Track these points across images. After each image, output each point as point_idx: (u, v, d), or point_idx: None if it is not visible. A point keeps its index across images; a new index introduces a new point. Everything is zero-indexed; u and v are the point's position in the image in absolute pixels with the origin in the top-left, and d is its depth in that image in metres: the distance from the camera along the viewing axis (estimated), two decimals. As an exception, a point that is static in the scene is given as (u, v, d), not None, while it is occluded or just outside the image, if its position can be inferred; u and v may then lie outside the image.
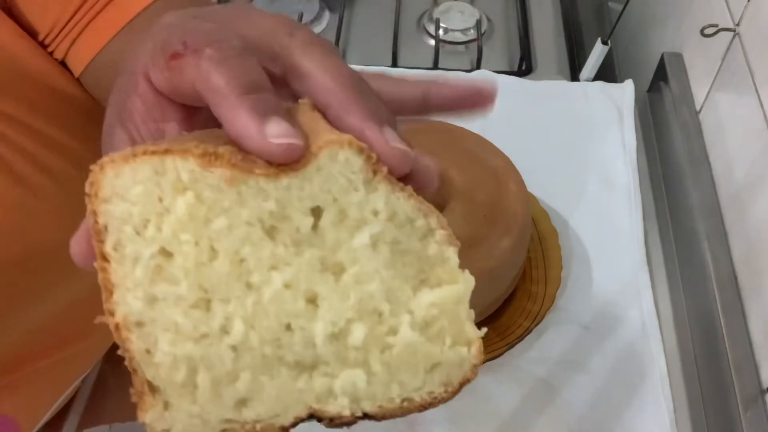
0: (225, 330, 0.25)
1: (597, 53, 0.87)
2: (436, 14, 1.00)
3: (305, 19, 0.99)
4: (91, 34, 0.45)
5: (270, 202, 0.24)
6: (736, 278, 0.64)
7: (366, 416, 0.27)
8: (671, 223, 0.74)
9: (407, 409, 0.27)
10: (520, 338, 0.62)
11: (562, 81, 0.89)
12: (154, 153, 0.24)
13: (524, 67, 0.94)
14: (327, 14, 1.02)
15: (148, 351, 0.25)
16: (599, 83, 0.86)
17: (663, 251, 0.72)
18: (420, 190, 0.27)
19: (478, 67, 0.91)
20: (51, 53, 0.46)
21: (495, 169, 0.65)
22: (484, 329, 0.27)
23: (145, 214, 0.24)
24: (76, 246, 0.26)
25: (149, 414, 0.26)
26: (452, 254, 0.27)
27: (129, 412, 0.66)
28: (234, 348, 0.25)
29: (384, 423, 0.62)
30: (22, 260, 0.47)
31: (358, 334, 0.26)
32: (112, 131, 0.28)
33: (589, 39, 1.04)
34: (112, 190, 0.24)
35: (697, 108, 0.77)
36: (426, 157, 0.27)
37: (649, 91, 0.87)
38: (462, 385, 0.28)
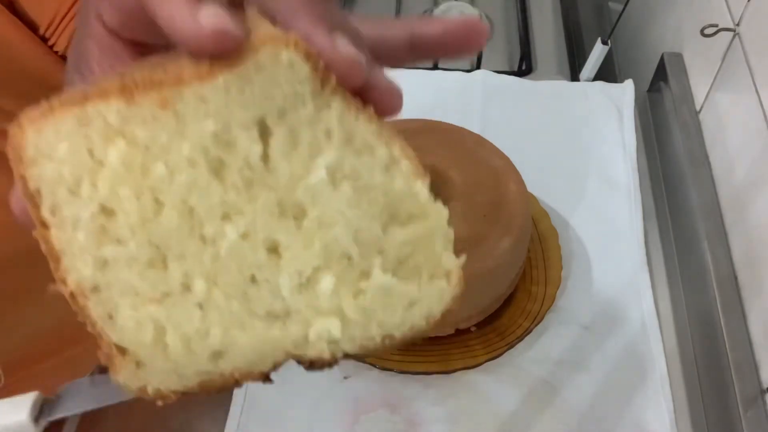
0: (186, 288, 0.24)
1: (597, 53, 0.87)
2: (436, 14, 1.00)
3: (305, 19, 0.99)
4: None
5: (210, 120, 0.22)
6: (736, 278, 0.64)
7: (348, 356, 0.26)
8: (671, 223, 0.74)
9: (389, 345, 0.26)
10: (520, 338, 0.62)
11: (562, 81, 0.89)
12: (72, 102, 0.22)
13: (524, 67, 0.94)
14: (327, 14, 1.02)
15: (109, 316, 0.24)
16: (599, 83, 0.86)
17: (663, 251, 0.72)
18: (383, 113, 0.24)
19: (478, 67, 0.91)
20: (52, 47, 0.46)
21: (495, 169, 0.65)
22: (464, 256, 0.25)
23: (76, 171, 0.22)
24: (17, 203, 0.23)
25: (122, 374, 0.24)
26: (421, 188, 0.25)
27: (128, 413, 0.66)
28: (200, 305, 0.24)
29: (384, 423, 0.62)
30: (22, 257, 0.47)
31: (326, 283, 0.24)
32: (71, 83, 0.26)
33: (589, 39, 1.04)
34: (37, 151, 0.22)
35: (697, 108, 0.77)
36: (387, 76, 0.24)
37: (649, 91, 0.87)
38: (443, 314, 0.26)
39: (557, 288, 0.65)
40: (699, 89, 0.78)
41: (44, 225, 0.23)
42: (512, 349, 0.62)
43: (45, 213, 0.22)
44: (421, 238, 0.25)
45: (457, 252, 0.26)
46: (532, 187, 0.69)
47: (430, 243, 0.25)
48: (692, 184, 0.71)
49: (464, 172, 0.65)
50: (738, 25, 0.69)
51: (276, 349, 0.25)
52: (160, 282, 0.23)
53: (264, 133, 0.23)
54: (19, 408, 0.27)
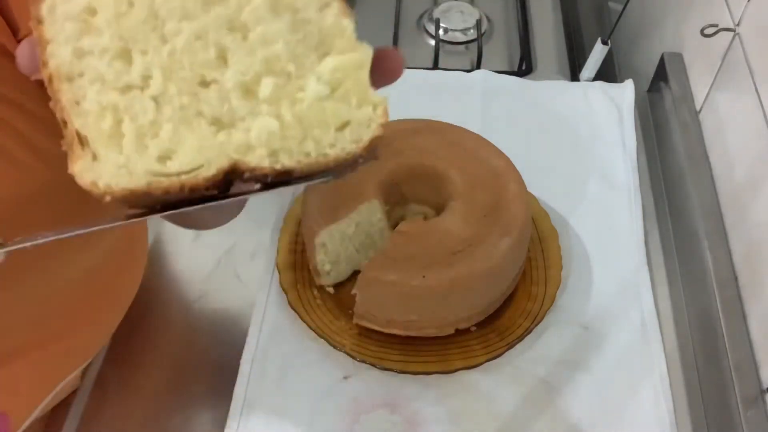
0: (146, 81, 0.28)
1: (597, 53, 0.87)
2: (436, 14, 1.00)
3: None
4: None
5: None
6: (736, 278, 0.64)
7: (286, 171, 0.29)
8: (671, 223, 0.74)
9: (323, 163, 0.29)
10: (520, 338, 0.62)
11: (562, 81, 0.89)
12: None
13: (524, 67, 0.94)
14: (327, 14, 1.02)
15: (77, 102, 0.28)
16: (599, 83, 0.86)
17: (663, 251, 0.72)
18: (390, 74, 0.29)
19: (478, 67, 0.91)
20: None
21: (495, 169, 0.65)
22: (388, 95, 0.29)
23: None
24: (21, 50, 0.28)
25: (78, 165, 0.28)
26: (349, 25, 0.29)
27: (128, 413, 0.66)
28: (155, 99, 0.28)
29: (384, 423, 0.62)
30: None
31: (266, 85, 0.28)
32: None
33: (589, 39, 1.04)
34: None
35: (697, 108, 0.77)
36: None
37: (649, 91, 0.87)
38: (372, 141, 0.29)
39: (557, 288, 0.65)
40: (699, 89, 0.78)
41: (39, 21, 0.27)
42: (512, 349, 0.62)
43: (43, 11, 0.27)
44: (349, 67, 0.29)
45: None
46: (532, 187, 0.69)
47: (358, 74, 0.29)
48: (692, 184, 0.71)
49: (464, 172, 0.65)
50: (738, 25, 0.69)
51: (220, 154, 0.28)
52: (124, 72, 0.28)
53: None
54: None
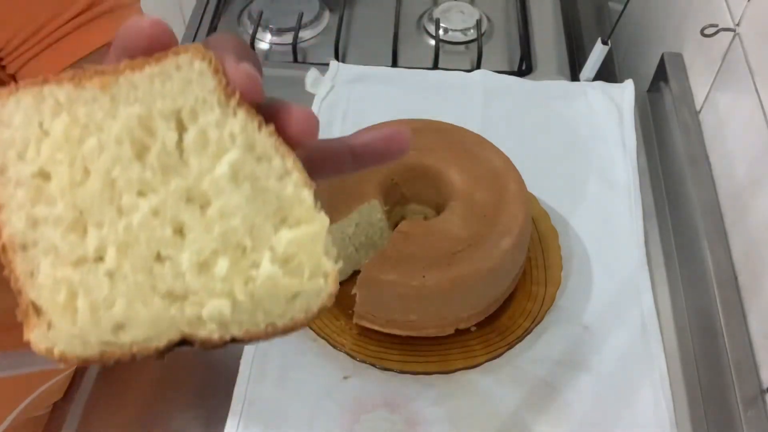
0: (100, 256, 0.27)
1: (597, 53, 0.87)
2: (436, 14, 1.00)
3: (305, 18, 0.99)
4: (46, 59, 0.47)
5: (137, 104, 0.27)
6: (736, 278, 0.64)
7: (234, 340, 0.29)
8: (671, 223, 0.74)
9: (271, 332, 0.29)
10: (520, 338, 0.62)
11: (562, 81, 0.89)
12: (34, 84, 0.27)
13: (524, 67, 0.94)
14: (327, 14, 1.02)
15: (31, 273, 0.27)
16: (599, 83, 0.86)
17: (663, 251, 0.72)
18: (300, 134, 0.29)
19: (478, 67, 0.91)
20: (3, 67, 0.47)
21: (495, 169, 0.65)
22: (341, 262, 0.29)
23: (26, 139, 0.27)
24: None
25: (34, 333, 0.27)
26: (308, 195, 0.29)
27: (127, 413, 0.66)
28: (110, 274, 0.27)
29: (384, 423, 0.62)
30: None
31: (222, 265, 0.28)
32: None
33: (589, 39, 1.04)
34: None
35: (697, 108, 0.77)
36: (295, 104, 0.29)
37: (649, 91, 0.87)
38: (320, 310, 0.29)
39: (557, 288, 0.65)
40: (699, 89, 0.78)
41: None
42: (512, 349, 0.62)
43: None
44: (305, 240, 0.29)
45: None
46: (532, 187, 0.69)
47: (312, 245, 0.29)
48: (692, 183, 0.71)
49: (464, 172, 0.65)
50: (738, 25, 0.69)
51: (172, 327, 0.28)
52: (78, 246, 0.27)
53: (180, 128, 0.28)
54: None
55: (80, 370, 0.65)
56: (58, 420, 0.63)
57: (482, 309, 0.62)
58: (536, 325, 0.63)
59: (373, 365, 0.61)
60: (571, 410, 0.60)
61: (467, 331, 0.63)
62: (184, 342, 0.29)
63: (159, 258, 0.28)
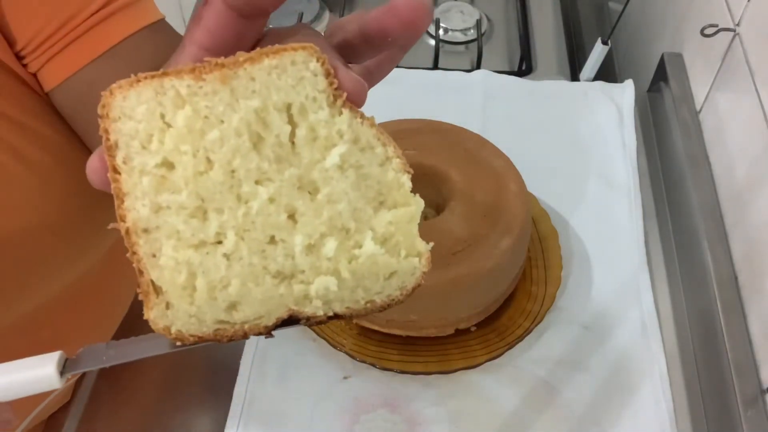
0: (219, 239, 0.29)
1: (597, 53, 0.88)
2: (436, 14, 1.00)
3: (305, 18, 0.99)
4: (69, 55, 0.47)
5: (255, 98, 0.28)
6: (736, 278, 0.64)
7: (336, 316, 0.31)
8: (671, 223, 0.74)
9: (370, 309, 0.32)
10: (520, 338, 0.62)
11: (562, 81, 0.89)
12: (153, 77, 0.27)
13: (524, 67, 0.94)
14: (327, 14, 1.02)
15: (153, 255, 0.29)
16: (599, 83, 0.86)
17: (663, 251, 0.72)
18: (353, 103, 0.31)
19: (478, 67, 0.91)
20: (25, 65, 0.47)
21: (495, 169, 0.65)
22: (432, 243, 0.32)
23: (149, 129, 0.28)
24: (91, 163, 0.29)
25: (153, 311, 0.29)
26: (406, 180, 0.31)
27: (128, 413, 0.66)
28: (227, 256, 0.29)
29: (384, 423, 0.62)
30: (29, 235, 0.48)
31: (330, 246, 0.30)
32: (180, 50, 0.31)
33: (589, 39, 1.04)
34: (121, 111, 0.27)
35: (697, 108, 0.77)
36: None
37: (649, 91, 0.87)
38: (414, 289, 0.32)
39: (557, 288, 0.65)
40: (699, 89, 0.78)
41: (116, 171, 0.28)
42: (512, 349, 0.62)
43: (118, 161, 0.28)
44: (402, 221, 0.31)
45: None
46: (532, 187, 0.69)
47: (408, 227, 0.31)
48: (692, 184, 0.71)
49: (464, 172, 0.65)
50: (738, 25, 0.69)
51: (281, 305, 0.30)
52: (200, 230, 0.29)
53: (291, 123, 0.29)
54: (46, 363, 0.31)
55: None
56: (58, 421, 0.63)
57: (482, 309, 0.62)
58: (536, 325, 0.63)
59: (373, 365, 0.61)
60: (571, 410, 0.60)
61: (467, 331, 0.63)
62: (290, 320, 0.31)
63: (272, 241, 0.29)
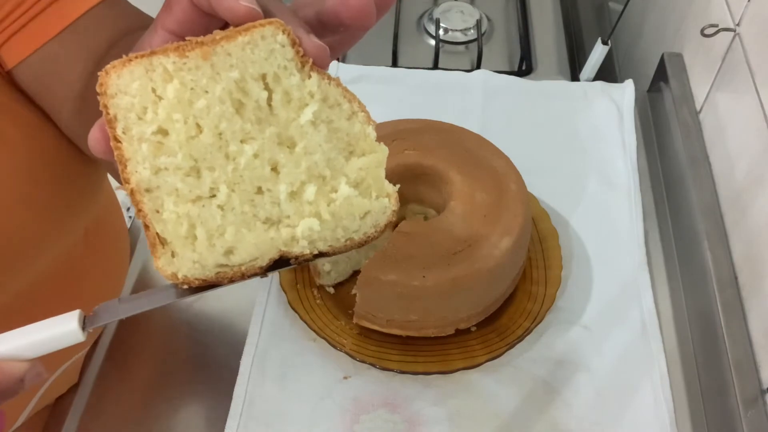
0: (213, 193, 0.33)
1: (597, 53, 0.88)
2: (436, 14, 1.00)
3: None
4: (28, 33, 0.47)
5: (234, 71, 0.32)
6: (736, 278, 0.64)
7: (321, 254, 0.36)
8: (671, 223, 0.74)
9: (349, 246, 0.36)
10: (520, 338, 0.62)
11: (562, 81, 0.89)
12: (143, 56, 0.31)
13: (524, 67, 0.94)
14: None
15: (157, 211, 0.33)
16: (599, 83, 0.86)
17: (663, 251, 0.72)
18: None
19: (478, 67, 0.91)
20: None
21: (495, 169, 0.65)
22: (398, 185, 0.36)
23: (143, 102, 0.32)
24: (92, 134, 0.32)
25: (161, 260, 0.33)
26: (371, 131, 0.35)
27: (128, 412, 0.66)
28: (221, 208, 0.33)
29: (384, 423, 0.62)
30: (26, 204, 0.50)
31: (310, 191, 0.34)
32: (151, 32, 0.34)
33: (589, 39, 1.04)
34: (117, 88, 0.31)
35: (697, 108, 0.77)
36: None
37: (649, 91, 0.87)
38: (386, 226, 0.37)
39: (557, 288, 0.65)
40: (699, 89, 0.78)
41: (117, 140, 0.32)
42: (512, 349, 0.62)
43: (119, 132, 0.32)
44: (370, 166, 0.36)
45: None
46: (532, 187, 0.69)
47: (376, 171, 0.36)
48: (692, 184, 0.71)
49: (464, 172, 0.65)
50: (738, 25, 0.69)
51: (272, 247, 0.34)
52: (196, 186, 0.33)
53: (267, 89, 0.33)
54: (68, 320, 0.34)
55: (84, 370, 0.65)
56: (58, 418, 0.63)
57: (482, 309, 0.62)
58: (536, 325, 0.63)
59: (373, 365, 0.61)
60: (571, 410, 0.60)
61: (467, 331, 0.63)
62: (282, 260, 0.35)
63: (259, 191, 0.34)
